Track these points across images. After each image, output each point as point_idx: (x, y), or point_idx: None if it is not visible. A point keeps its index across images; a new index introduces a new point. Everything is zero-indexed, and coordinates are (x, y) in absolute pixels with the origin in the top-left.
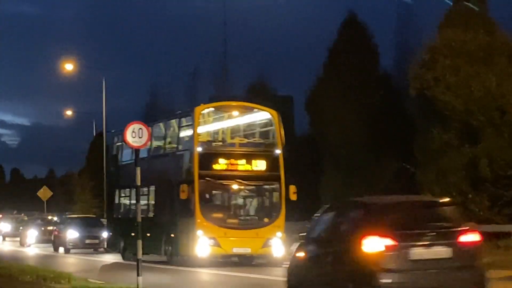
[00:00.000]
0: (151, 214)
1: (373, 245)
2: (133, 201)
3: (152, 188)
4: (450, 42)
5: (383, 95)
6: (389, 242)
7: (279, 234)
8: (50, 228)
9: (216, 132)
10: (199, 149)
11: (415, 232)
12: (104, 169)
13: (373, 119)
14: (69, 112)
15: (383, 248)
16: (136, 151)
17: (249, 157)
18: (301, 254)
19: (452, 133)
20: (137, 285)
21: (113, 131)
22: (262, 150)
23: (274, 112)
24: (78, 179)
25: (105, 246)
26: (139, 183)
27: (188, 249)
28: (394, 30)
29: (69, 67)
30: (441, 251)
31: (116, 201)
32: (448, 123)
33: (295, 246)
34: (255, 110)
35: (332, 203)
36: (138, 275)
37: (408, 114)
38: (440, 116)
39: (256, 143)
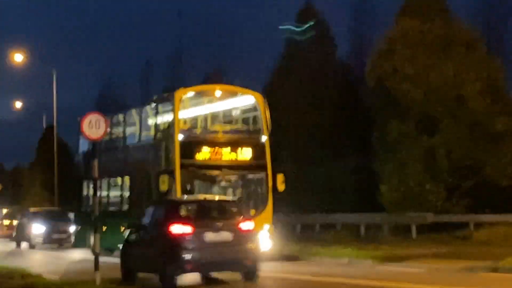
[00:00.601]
0: (125, 207)
1: (178, 230)
2: (104, 193)
3: (126, 179)
4: (407, 32)
5: (341, 86)
6: (188, 229)
7: (266, 226)
8: (6, 222)
9: (197, 119)
10: (180, 137)
11: (207, 222)
12: (56, 162)
13: (330, 110)
14: (18, 105)
15: (184, 233)
16: (93, 142)
17: (233, 145)
18: (132, 237)
19: (410, 124)
20: (95, 280)
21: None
22: (247, 137)
23: (259, 96)
24: (28, 172)
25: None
26: (96, 175)
27: None
28: (351, 21)
29: (18, 58)
30: (225, 235)
31: (85, 193)
32: (406, 114)
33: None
34: (239, 93)
35: (153, 201)
36: (95, 269)
37: (366, 105)
38: (398, 106)
39: (240, 130)
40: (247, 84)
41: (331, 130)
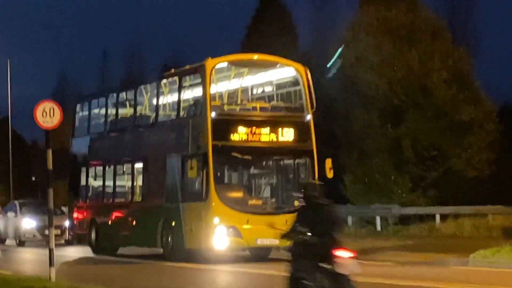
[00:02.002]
0: (138, 198)
1: None
2: (108, 182)
3: (139, 165)
4: (372, 20)
5: None
6: None
7: None
8: None
9: (229, 94)
10: (212, 114)
11: None
12: (10, 154)
13: None
14: None
15: None
16: (47, 132)
17: (273, 125)
18: None
19: (375, 114)
20: (49, 276)
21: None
22: (289, 115)
23: (301, 68)
24: None
25: (66, 237)
26: (50, 167)
27: (197, 241)
28: (313, 9)
29: None
30: None
31: (83, 182)
32: (370, 104)
33: None
34: (278, 64)
35: None
36: (50, 265)
37: (329, 95)
38: (362, 96)
39: (281, 107)
40: None
41: None
